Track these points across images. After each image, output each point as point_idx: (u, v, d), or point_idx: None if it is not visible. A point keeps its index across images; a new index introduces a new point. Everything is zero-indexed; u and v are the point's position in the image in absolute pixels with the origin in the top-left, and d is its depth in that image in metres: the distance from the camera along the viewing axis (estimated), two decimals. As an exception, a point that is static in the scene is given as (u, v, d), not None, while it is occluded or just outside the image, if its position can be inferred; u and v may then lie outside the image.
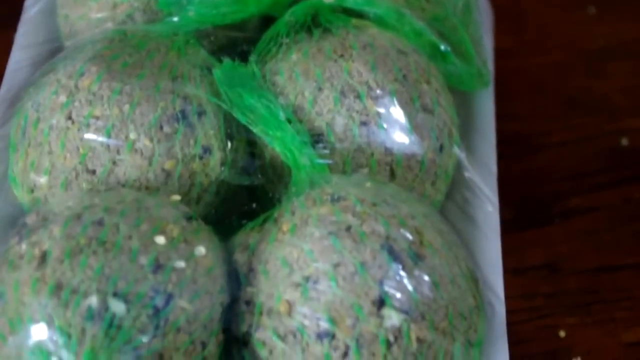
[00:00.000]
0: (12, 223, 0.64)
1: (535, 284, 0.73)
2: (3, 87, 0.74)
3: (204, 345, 0.57)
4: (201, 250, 0.58)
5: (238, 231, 0.62)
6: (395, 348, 0.55)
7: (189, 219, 0.60)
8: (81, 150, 0.63)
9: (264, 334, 0.57)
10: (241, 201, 0.66)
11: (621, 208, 0.78)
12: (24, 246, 0.58)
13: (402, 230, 0.58)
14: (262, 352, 0.57)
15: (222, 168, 0.64)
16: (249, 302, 0.58)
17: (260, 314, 0.57)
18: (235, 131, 0.65)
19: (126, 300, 0.55)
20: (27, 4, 0.81)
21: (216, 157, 0.64)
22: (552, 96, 0.85)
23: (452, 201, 0.67)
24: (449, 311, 0.57)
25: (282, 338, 0.56)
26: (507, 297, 0.63)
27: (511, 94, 0.81)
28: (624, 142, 0.82)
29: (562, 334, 0.70)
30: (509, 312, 0.62)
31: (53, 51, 0.76)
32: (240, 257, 0.60)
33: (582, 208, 0.78)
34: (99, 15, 0.73)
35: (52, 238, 0.57)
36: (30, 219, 0.60)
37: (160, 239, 0.57)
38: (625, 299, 0.72)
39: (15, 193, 0.67)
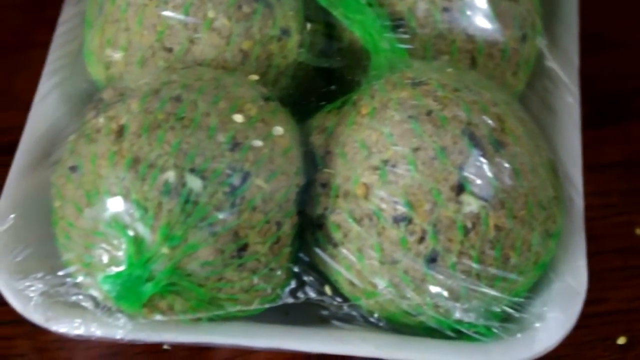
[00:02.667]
0: (86, 99, 0.64)
1: (612, 181, 0.71)
2: (79, -35, 0.74)
3: (279, 225, 0.56)
4: (279, 130, 0.58)
5: (315, 114, 0.61)
6: (472, 234, 0.55)
7: (267, 99, 0.59)
8: (158, 28, 0.62)
9: (339, 217, 0.57)
10: (317, 85, 0.65)
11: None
12: (101, 120, 0.58)
13: (483, 117, 0.57)
14: (337, 235, 0.57)
15: (300, 50, 0.63)
16: (325, 185, 0.58)
17: (336, 196, 0.57)
18: (313, 13, 0.64)
19: (203, 177, 0.55)
20: None
21: (294, 39, 0.63)
22: (636, -9, 0.83)
23: (532, 90, 0.66)
24: (528, 200, 0.56)
25: (358, 221, 0.56)
26: (583, 193, 0.62)
27: (594, -12, 0.79)
28: None
29: (638, 231, 0.69)
30: (584, 208, 0.61)
31: None
32: (317, 139, 0.59)
33: (662, 105, 0.76)
34: None
35: (130, 112, 0.57)
36: (107, 94, 0.60)
37: (238, 117, 0.57)
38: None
39: (90, 70, 0.66)
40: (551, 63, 0.66)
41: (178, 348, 0.61)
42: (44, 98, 0.66)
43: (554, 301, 0.58)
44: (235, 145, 0.56)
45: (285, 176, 0.57)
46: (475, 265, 0.55)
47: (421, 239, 0.55)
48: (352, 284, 0.57)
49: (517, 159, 0.56)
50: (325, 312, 0.58)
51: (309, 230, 0.58)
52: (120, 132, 0.56)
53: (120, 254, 0.55)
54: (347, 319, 0.58)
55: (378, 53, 0.61)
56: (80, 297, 0.57)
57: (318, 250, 0.58)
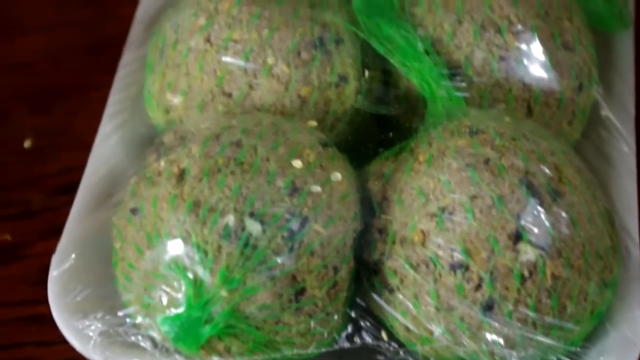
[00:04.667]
0: (146, 143, 0.65)
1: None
2: (139, 10, 0.76)
3: (336, 270, 0.57)
4: (337, 176, 0.58)
5: (372, 160, 0.62)
6: (529, 283, 0.55)
7: (325, 145, 0.60)
8: (218, 73, 0.63)
9: (396, 263, 0.57)
10: (373, 130, 0.66)
11: None
12: (162, 163, 0.59)
13: (541, 166, 0.57)
14: (393, 281, 0.57)
15: (357, 97, 0.64)
16: (381, 231, 0.58)
17: (393, 242, 0.57)
18: (371, 61, 0.65)
19: (262, 221, 0.55)
20: None
21: (352, 85, 0.64)
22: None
23: (587, 139, 0.66)
24: (585, 250, 0.56)
25: (415, 267, 0.56)
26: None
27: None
28: None
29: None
30: (640, 258, 0.62)
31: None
32: (374, 186, 0.60)
33: None
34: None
35: (191, 156, 0.58)
36: (168, 138, 0.61)
37: (297, 163, 0.58)
38: None
39: (150, 114, 0.68)
40: (607, 112, 0.67)
41: (233, 389, 0.62)
42: (104, 140, 0.68)
43: (610, 351, 0.57)
44: (294, 191, 0.57)
45: (343, 221, 0.57)
46: (531, 314, 0.55)
47: (478, 287, 0.55)
48: (408, 329, 0.57)
49: (575, 208, 0.57)
50: (381, 357, 0.59)
51: (365, 276, 0.59)
52: (181, 175, 0.57)
53: (180, 295, 0.55)
54: (403, 365, 0.59)
55: (435, 101, 0.62)
56: (139, 337, 0.58)
57: (374, 296, 0.58)
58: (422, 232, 0.56)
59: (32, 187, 0.75)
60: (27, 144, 0.77)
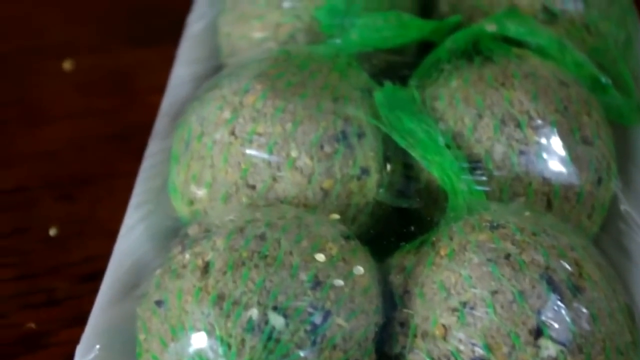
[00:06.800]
0: (170, 235, 0.66)
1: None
2: (165, 101, 0.77)
3: (358, 363, 0.57)
4: (359, 269, 0.59)
5: (393, 252, 0.63)
6: (550, 379, 0.55)
7: (347, 238, 0.61)
8: (243, 165, 0.64)
9: (417, 357, 0.58)
10: (395, 223, 0.67)
11: None
12: (187, 256, 0.60)
13: (561, 261, 0.58)
14: (415, 374, 0.58)
15: (379, 190, 0.65)
16: (403, 324, 0.59)
17: (415, 336, 0.58)
18: (392, 154, 0.66)
19: (285, 315, 0.56)
20: (190, 20, 0.83)
21: (373, 178, 0.65)
22: None
23: (607, 233, 0.67)
24: (606, 345, 0.57)
25: (436, 361, 0.57)
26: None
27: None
28: None
29: None
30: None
31: (213, 68, 0.78)
32: (396, 279, 0.61)
33: None
34: (261, 34, 0.75)
35: (216, 249, 0.59)
36: (193, 230, 0.62)
37: (320, 257, 0.58)
38: None
39: (174, 205, 0.68)
40: (626, 206, 0.67)
41: None
42: (129, 231, 0.68)
43: None
44: (317, 284, 0.57)
45: (365, 315, 0.58)
46: (553, 409, 0.55)
47: (499, 382, 0.56)
48: (429, 423, 0.58)
49: (595, 304, 0.57)
50: None
51: (386, 369, 0.59)
52: (206, 268, 0.58)
53: (203, 388, 0.56)
54: None
55: (456, 194, 0.63)
56: None
57: (396, 389, 0.58)
58: (444, 326, 0.57)
59: (57, 275, 0.76)
60: (52, 232, 0.78)
